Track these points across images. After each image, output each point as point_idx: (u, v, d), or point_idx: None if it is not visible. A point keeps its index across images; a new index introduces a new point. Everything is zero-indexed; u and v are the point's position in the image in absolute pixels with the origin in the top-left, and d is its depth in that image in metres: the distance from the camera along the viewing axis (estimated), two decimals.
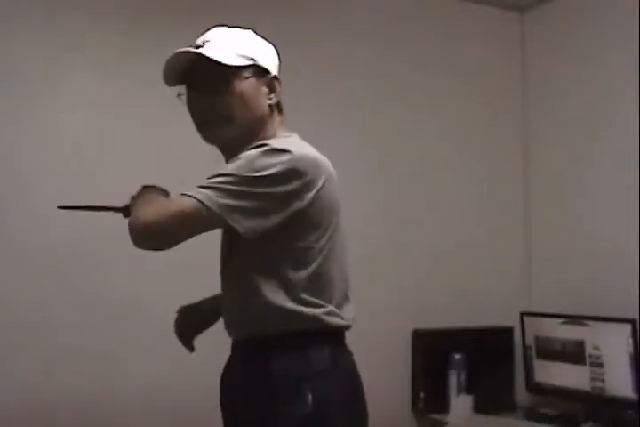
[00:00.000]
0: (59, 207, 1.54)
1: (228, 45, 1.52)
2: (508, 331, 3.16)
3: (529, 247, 3.33)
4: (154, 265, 2.54)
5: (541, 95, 3.33)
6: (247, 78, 1.52)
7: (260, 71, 1.55)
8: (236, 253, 1.51)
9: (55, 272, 2.45)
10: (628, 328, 2.64)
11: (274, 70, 1.58)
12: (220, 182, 1.40)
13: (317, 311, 1.45)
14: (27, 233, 2.43)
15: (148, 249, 1.45)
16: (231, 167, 1.42)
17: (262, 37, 1.61)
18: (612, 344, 2.70)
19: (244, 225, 1.40)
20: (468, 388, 2.91)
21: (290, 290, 1.44)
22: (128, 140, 2.60)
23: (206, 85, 1.51)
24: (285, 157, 1.41)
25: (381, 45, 3.09)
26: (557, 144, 3.24)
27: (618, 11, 2.97)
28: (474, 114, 3.26)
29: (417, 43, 3.18)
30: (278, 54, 1.63)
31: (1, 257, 2.40)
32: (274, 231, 1.42)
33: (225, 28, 1.57)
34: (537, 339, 3.02)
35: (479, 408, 2.89)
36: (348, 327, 1.53)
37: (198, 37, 1.57)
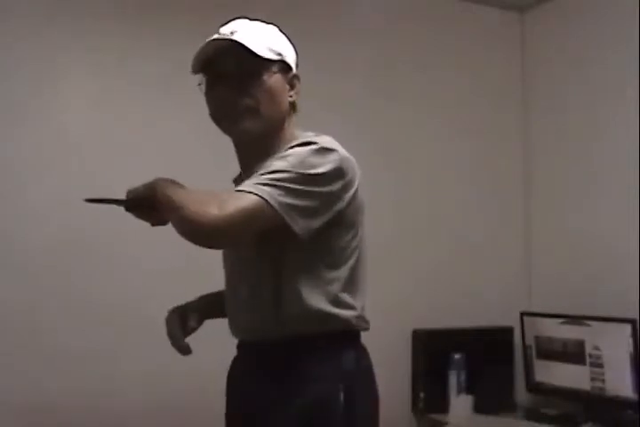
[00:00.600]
0: (86, 200, 1.46)
1: (259, 38, 1.47)
2: (508, 331, 3.16)
3: (529, 247, 3.33)
4: (153, 265, 2.54)
5: (541, 95, 3.34)
6: (275, 73, 1.49)
7: (285, 67, 1.52)
8: (265, 254, 1.45)
9: (54, 272, 2.45)
10: (628, 328, 2.64)
11: (295, 68, 1.56)
12: (277, 179, 1.34)
13: (350, 314, 1.46)
14: (26, 233, 2.43)
15: (209, 247, 1.39)
16: (283, 164, 1.37)
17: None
18: (612, 344, 2.70)
19: (300, 225, 1.36)
20: (468, 388, 2.91)
21: (326, 291, 1.43)
22: (128, 140, 2.60)
23: (236, 76, 1.46)
24: (334, 157, 1.40)
25: (381, 45, 3.09)
26: (557, 144, 3.24)
27: (618, 11, 2.97)
28: (474, 114, 3.27)
29: (417, 43, 3.18)
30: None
31: (0, 257, 2.41)
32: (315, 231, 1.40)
33: (248, 21, 1.53)
34: (537, 339, 3.02)
35: (479, 408, 2.89)
36: (368, 329, 1.54)
37: (222, 26, 1.51)
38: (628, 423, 2.64)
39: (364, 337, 1.54)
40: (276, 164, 1.39)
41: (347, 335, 1.49)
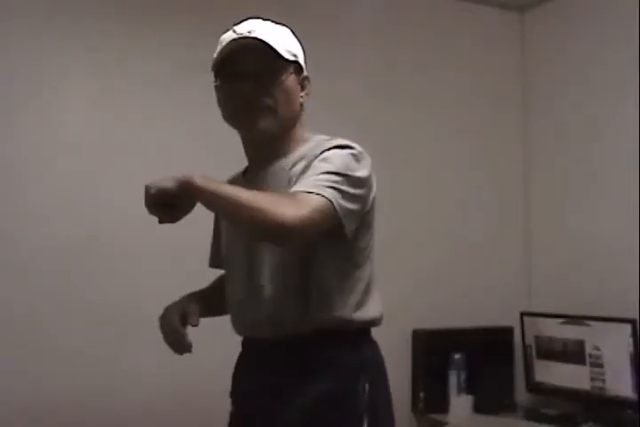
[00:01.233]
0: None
1: (276, 38, 1.48)
2: (508, 331, 3.16)
3: (529, 247, 3.33)
4: (153, 265, 2.54)
5: (541, 95, 3.34)
6: (291, 74, 1.51)
7: (298, 69, 1.54)
8: (293, 254, 1.44)
9: (54, 272, 2.45)
10: (628, 328, 2.64)
11: (306, 70, 1.58)
12: (335, 182, 1.36)
13: (374, 315, 1.50)
14: (26, 233, 2.43)
15: (283, 246, 1.40)
16: (331, 167, 1.38)
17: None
18: (612, 344, 2.70)
19: (350, 228, 1.40)
20: (468, 388, 2.91)
21: (353, 290, 1.46)
22: (128, 140, 2.60)
23: (256, 75, 1.46)
24: (367, 161, 1.45)
25: (381, 45, 3.09)
26: (557, 144, 3.24)
27: (618, 11, 2.97)
28: (474, 114, 3.26)
29: (417, 43, 3.18)
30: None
31: (0, 257, 2.41)
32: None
33: (262, 21, 1.53)
34: (537, 339, 3.02)
35: (479, 408, 2.89)
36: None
37: (236, 25, 1.50)
38: (628, 423, 2.64)
39: None
40: (323, 166, 1.39)
41: (366, 331, 1.53)
